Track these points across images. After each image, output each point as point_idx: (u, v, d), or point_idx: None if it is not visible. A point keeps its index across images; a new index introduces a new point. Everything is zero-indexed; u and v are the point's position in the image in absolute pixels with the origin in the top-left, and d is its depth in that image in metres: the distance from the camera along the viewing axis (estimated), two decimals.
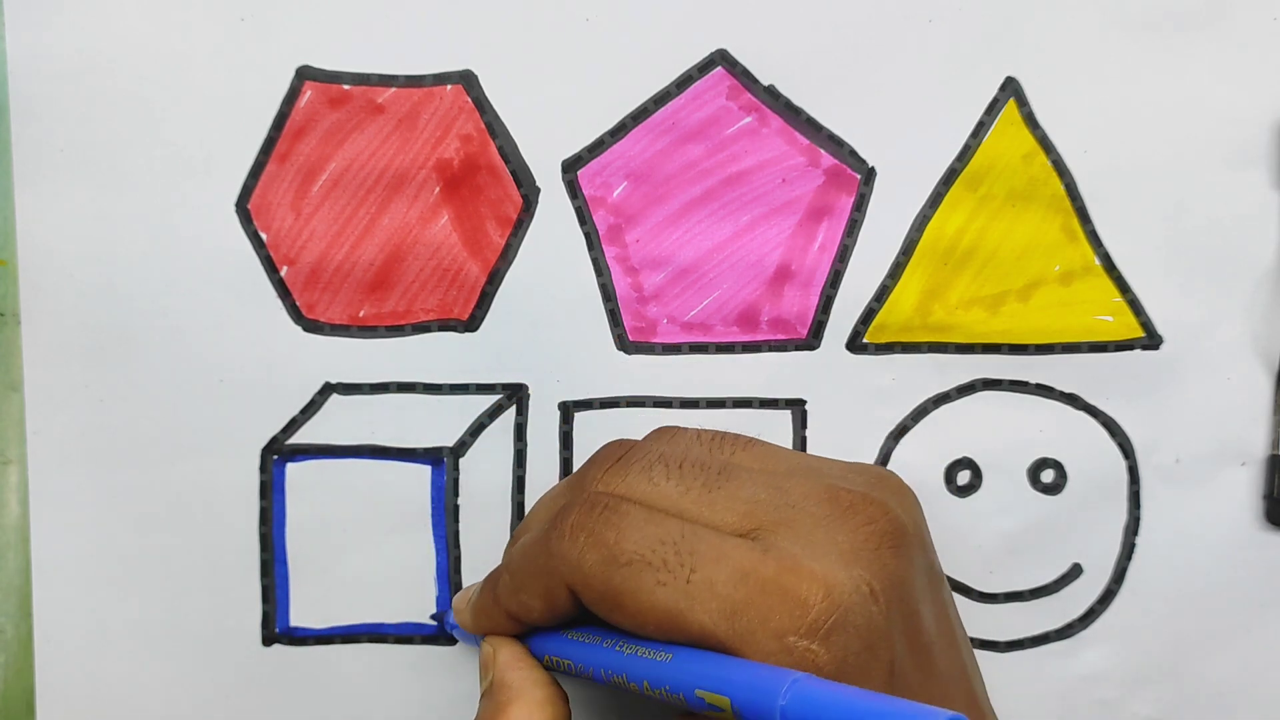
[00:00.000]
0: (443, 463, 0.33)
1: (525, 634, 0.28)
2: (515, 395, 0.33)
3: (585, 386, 0.33)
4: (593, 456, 0.27)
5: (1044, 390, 0.33)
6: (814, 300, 0.33)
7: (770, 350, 0.33)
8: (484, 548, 0.33)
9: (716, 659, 0.23)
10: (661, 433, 0.28)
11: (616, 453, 0.27)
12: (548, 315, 0.33)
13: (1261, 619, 0.34)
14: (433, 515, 0.33)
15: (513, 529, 0.33)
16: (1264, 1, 0.32)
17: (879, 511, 0.25)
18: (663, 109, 0.32)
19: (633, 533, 0.24)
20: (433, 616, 0.33)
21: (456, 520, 0.33)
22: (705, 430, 0.28)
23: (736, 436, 0.28)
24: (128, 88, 0.31)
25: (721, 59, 0.32)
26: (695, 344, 0.33)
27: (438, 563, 0.33)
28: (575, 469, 0.32)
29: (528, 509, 0.33)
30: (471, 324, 0.33)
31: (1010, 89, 0.33)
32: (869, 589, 0.23)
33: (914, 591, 0.25)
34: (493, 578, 0.28)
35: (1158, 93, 0.33)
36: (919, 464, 0.33)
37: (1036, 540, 0.34)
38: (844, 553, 0.24)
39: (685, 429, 0.28)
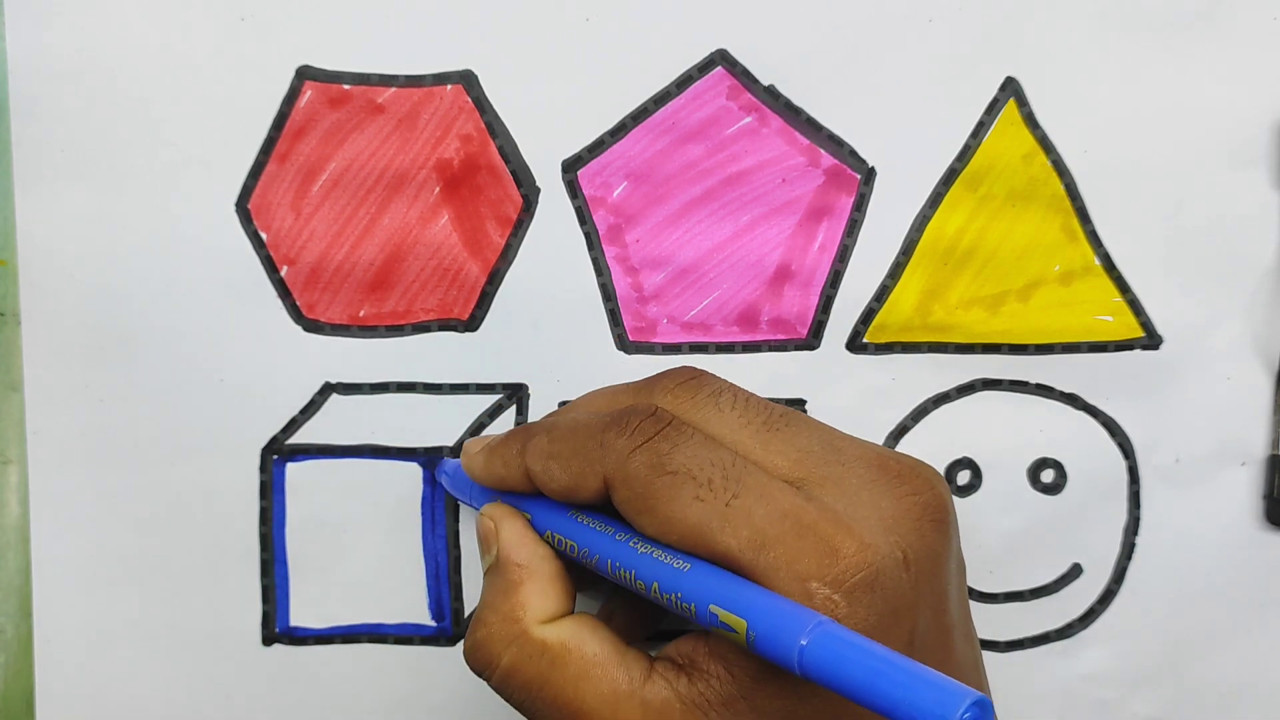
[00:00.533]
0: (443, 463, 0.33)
1: (526, 504, 0.27)
2: (515, 395, 0.33)
3: (585, 386, 0.33)
4: (664, 371, 0.27)
5: (1044, 390, 0.33)
6: (814, 300, 0.33)
7: (770, 350, 0.33)
8: None
9: (740, 581, 0.23)
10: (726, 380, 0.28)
11: (688, 374, 0.27)
12: (548, 315, 0.33)
13: (1261, 619, 0.34)
14: (433, 515, 0.33)
15: None
16: (1264, 1, 0.32)
17: (925, 485, 0.25)
18: (663, 109, 0.32)
19: (687, 449, 0.24)
20: (423, 464, 0.32)
21: (456, 520, 0.33)
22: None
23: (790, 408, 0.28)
24: (128, 88, 0.31)
25: (721, 59, 0.32)
26: (695, 344, 0.33)
27: (438, 563, 0.33)
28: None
29: None
30: (471, 324, 0.33)
31: (1010, 89, 0.33)
32: (903, 555, 0.23)
33: (946, 571, 0.25)
34: (521, 434, 0.27)
35: (1158, 93, 0.33)
36: None
37: (1036, 540, 0.34)
38: (885, 517, 0.24)
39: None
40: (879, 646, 0.20)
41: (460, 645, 0.33)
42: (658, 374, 0.27)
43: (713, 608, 0.22)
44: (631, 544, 0.24)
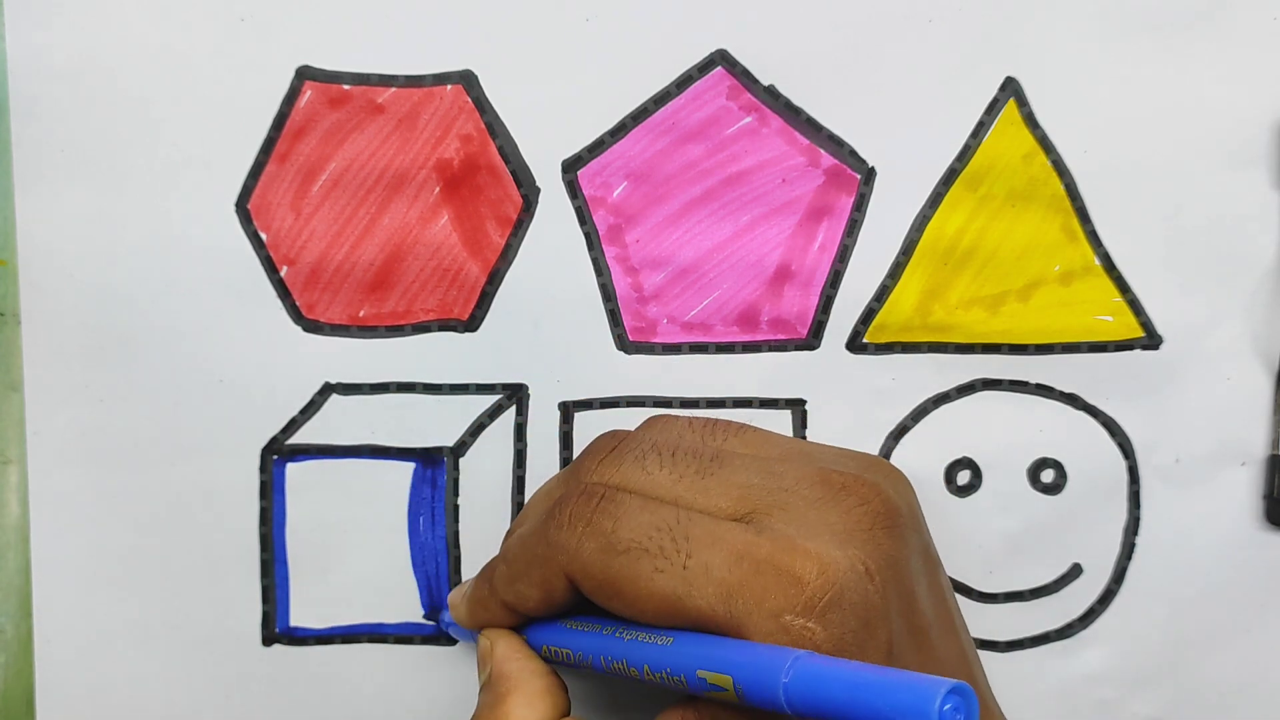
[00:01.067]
0: (443, 463, 0.33)
1: (522, 626, 0.28)
2: (515, 395, 0.33)
3: (585, 386, 0.33)
4: (587, 448, 0.27)
5: (1044, 390, 0.33)
6: (814, 300, 0.33)
7: (770, 350, 0.33)
8: (484, 548, 0.33)
9: (717, 641, 0.23)
10: (653, 422, 0.29)
11: (610, 444, 0.27)
12: (548, 315, 0.33)
13: (1261, 619, 0.34)
14: (432, 515, 0.33)
15: None
16: (1264, 1, 0.32)
17: (871, 492, 0.25)
18: (663, 109, 0.32)
19: (629, 520, 0.24)
20: (426, 616, 0.33)
21: (456, 520, 0.33)
22: (697, 418, 0.28)
23: (729, 423, 0.28)
24: (128, 88, 0.31)
25: (721, 59, 0.32)
26: (695, 344, 0.33)
27: (438, 563, 0.33)
28: None
29: None
30: (471, 324, 0.33)
31: (1010, 89, 0.33)
32: (864, 567, 0.24)
33: (909, 572, 0.25)
34: (487, 570, 0.28)
35: (1158, 93, 0.33)
36: (919, 464, 0.33)
37: (1036, 540, 0.34)
38: (837, 533, 0.24)
39: (677, 417, 0.28)
40: (855, 664, 0.21)
41: (460, 645, 0.33)
42: (581, 452, 0.27)
43: (700, 673, 0.23)
44: (617, 634, 0.25)
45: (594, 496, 0.25)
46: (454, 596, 0.30)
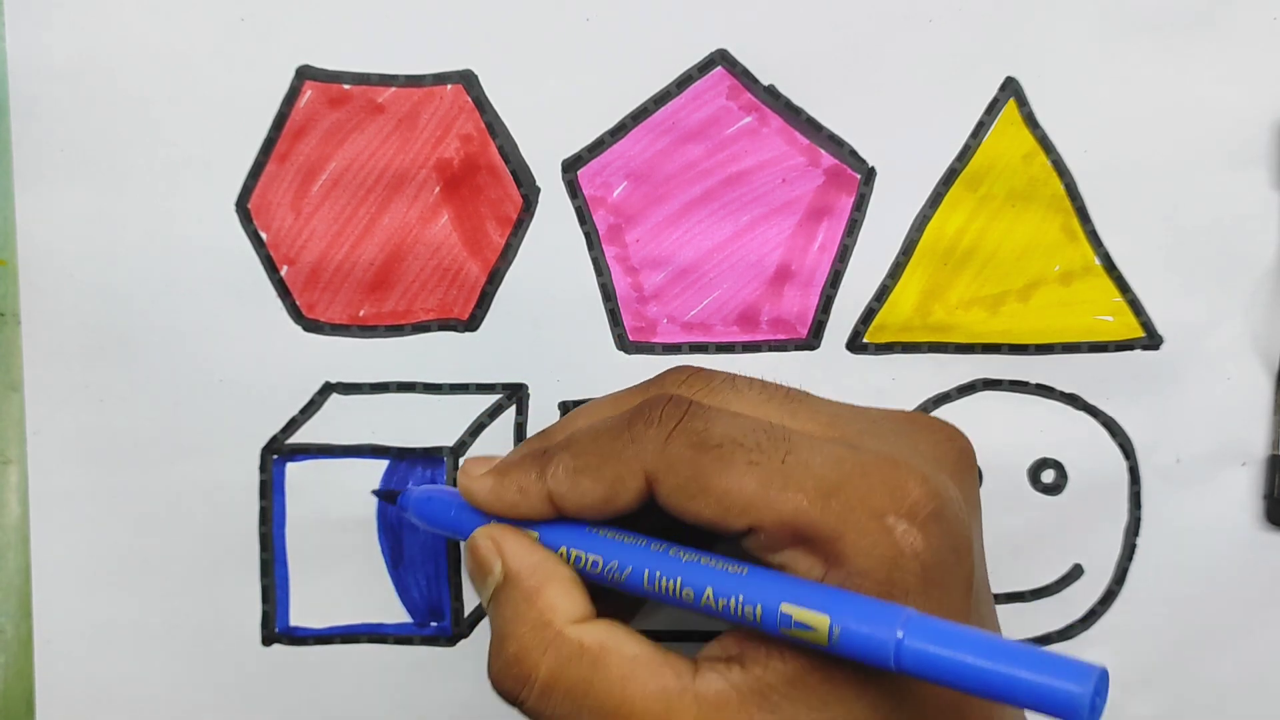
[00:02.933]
0: (443, 463, 0.33)
1: (541, 524, 0.26)
2: (515, 395, 0.33)
3: (585, 386, 0.33)
4: (664, 372, 0.26)
5: (1044, 390, 0.33)
6: (814, 300, 0.33)
7: (770, 350, 0.33)
8: None
9: (810, 583, 0.22)
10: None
11: (693, 368, 0.25)
12: (548, 315, 0.33)
13: (1261, 619, 0.34)
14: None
15: None
16: (1264, 1, 0.32)
17: (956, 433, 0.25)
18: (663, 109, 0.32)
19: (723, 421, 0.23)
20: (376, 493, 0.31)
21: None
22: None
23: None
24: (128, 88, 0.31)
25: (721, 59, 0.32)
26: (695, 344, 0.33)
27: (438, 563, 0.33)
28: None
29: None
30: (471, 324, 0.33)
31: (1010, 89, 0.33)
32: (957, 493, 0.23)
33: (979, 519, 0.25)
34: (538, 455, 0.25)
35: (1158, 93, 0.33)
36: None
37: (1037, 540, 0.34)
38: (928, 460, 0.23)
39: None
40: (977, 632, 0.20)
41: (460, 645, 0.33)
42: (659, 375, 0.26)
43: (786, 607, 0.21)
44: (672, 553, 0.23)
45: (684, 403, 0.23)
46: (473, 465, 0.26)
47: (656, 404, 0.24)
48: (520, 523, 0.26)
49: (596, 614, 0.24)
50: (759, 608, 0.22)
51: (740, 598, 0.22)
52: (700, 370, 0.26)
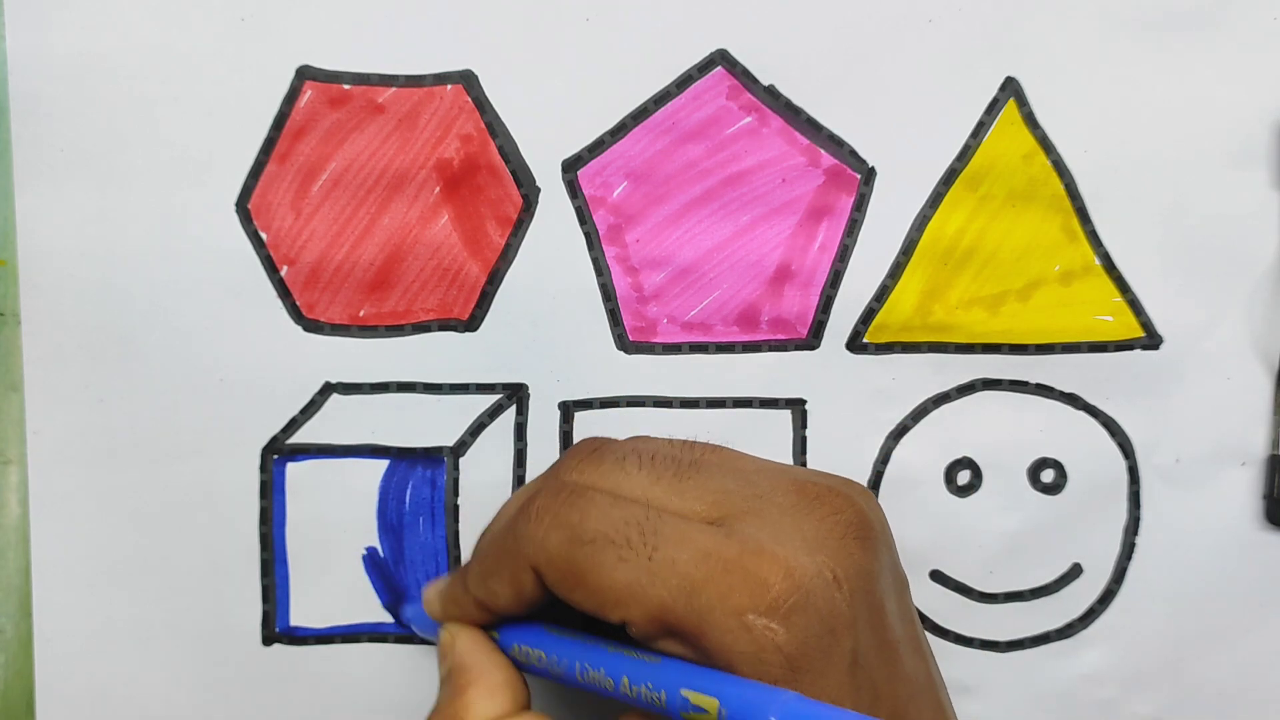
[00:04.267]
0: (443, 463, 0.33)
1: (494, 626, 0.28)
2: (515, 395, 0.33)
3: (585, 386, 0.33)
4: (568, 450, 0.27)
5: (1044, 390, 0.33)
6: (814, 300, 0.33)
7: (770, 350, 0.33)
8: None
9: (706, 671, 0.23)
10: (635, 437, 0.28)
11: (590, 446, 0.27)
12: (548, 315, 0.33)
13: (1261, 619, 0.34)
14: (432, 515, 0.33)
15: None
16: (1264, 1, 0.32)
17: (845, 503, 0.25)
18: (663, 109, 0.32)
19: (597, 514, 0.24)
20: (387, 607, 0.33)
21: (456, 520, 0.33)
22: (676, 438, 0.28)
23: (706, 443, 0.28)
24: (128, 88, 0.31)
25: (721, 59, 0.32)
26: (695, 344, 0.33)
27: (438, 563, 0.33)
28: None
29: None
30: (471, 324, 0.33)
31: (1010, 89, 0.33)
32: (832, 575, 0.24)
33: (879, 585, 0.25)
34: (463, 567, 0.28)
35: (1158, 93, 0.33)
36: (919, 464, 0.33)
37: (1036, 540, 0.34)
38: (809, 539, 0.24)
39: (658, 437, 0.28)
40: (848, 714, 0.21)
41: None
42: (562, 456, 0.27)
43: (684, 691, 0.23)
44: (600, 646, 0.25)
45: (564, 491, 0.25)
46: (429, 591, 0.30)
47: (537, 497, 0.25)
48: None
49: (526, 710, 0.26)
50: (663, 693, 0.23)
51: (650, 684, 0.23)
52: (594, 450, 0.27)
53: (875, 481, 0.33)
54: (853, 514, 0.25)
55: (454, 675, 0.27)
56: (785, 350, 0.33)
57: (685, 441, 0.28)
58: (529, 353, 0.33)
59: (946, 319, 0.33)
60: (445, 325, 0.33)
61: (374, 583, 0.33)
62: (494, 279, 0.32)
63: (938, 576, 0.34)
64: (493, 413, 0.33)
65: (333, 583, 0.33)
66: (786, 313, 0.33)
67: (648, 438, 0.28)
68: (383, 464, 0.33)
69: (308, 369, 0.32)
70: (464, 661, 0.27)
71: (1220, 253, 0.33)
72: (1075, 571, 0.34)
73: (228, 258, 0.32)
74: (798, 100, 0.32)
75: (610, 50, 0.32)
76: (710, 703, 0.22)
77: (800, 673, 0.23)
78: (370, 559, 0.33)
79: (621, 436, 0.29)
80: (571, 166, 0.32)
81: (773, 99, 0.32)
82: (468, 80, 0.32)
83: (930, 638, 0.34)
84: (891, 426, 0.33)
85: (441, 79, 0.32)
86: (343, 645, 0.33)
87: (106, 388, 0.32)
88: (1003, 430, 0.33)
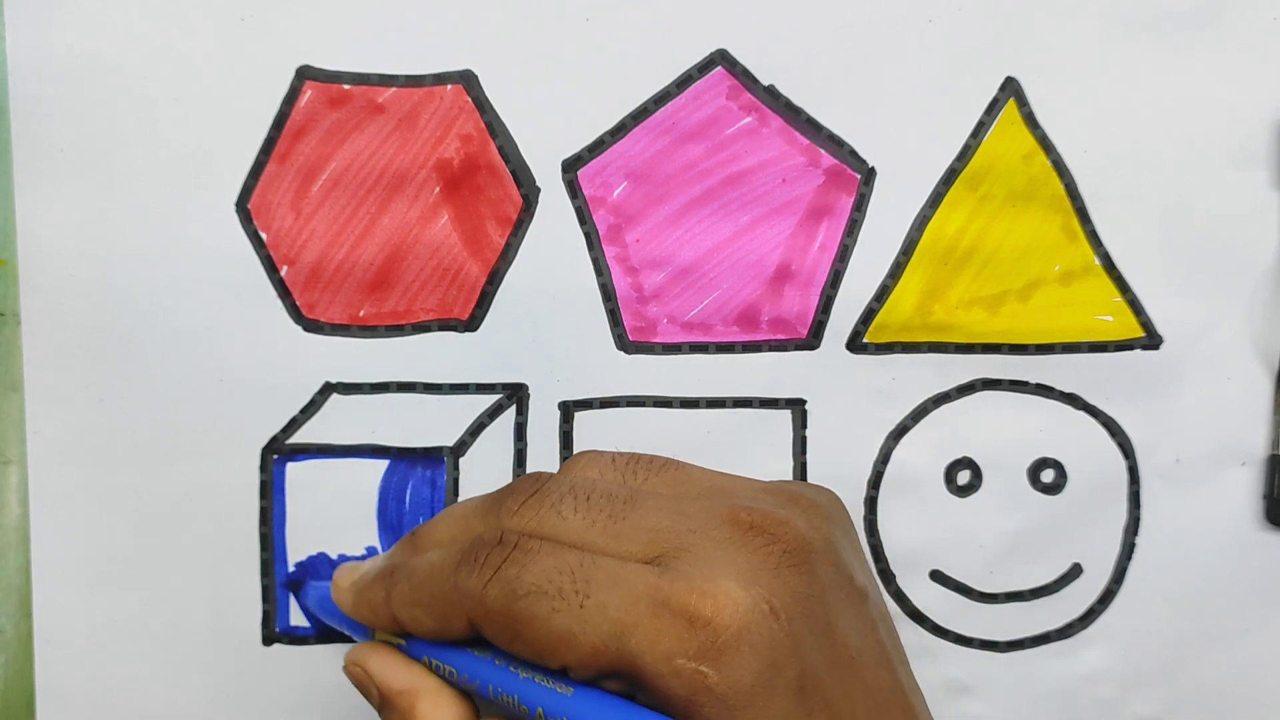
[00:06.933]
0: (443, 463, 0.33)
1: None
2: (515, 395, 0.33)
3: (585, 386, 0.33)
4: (509, 486, 0.27)
5: (1044, 390, 0.33)
6: (814, 300, 0.33)
7: (770, 350, 0.33)
8: None
9: (621, 703, 0.23)
10: (578, 459, 0.28)
11: (532, 486, 0.27)
12: (548, 315, 0.33)
13: (1261, 619, 0.34)
14: (432, 515, 0.33)
15: None
16: (1264, 1, 0.32)
17: (781, 529, 0.25)
18: (663, 109, 0.32)
19: (534, 566, 0.24)
20: (286, 583, 0.32)
21: None
22: (622, 454, 0.28)
23: (652, 459, 0.28)
24: (128, 88, 0.31)
25: (721, 59, 0.32)
26: (695, 344, 0.33)
27: None
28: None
29: None
30: (471, 324, 0.33)
31: (1010, 89, 0.33)
32: (768, 606, 0.23)
33: (824, 606, 0.25)
34: (386, 575, 0.27)
35: (1158, 93, 0.33)
36: (919, 464, 0.33)
37: (1036, 540, 0.34)
38: (742, 572, 0.24)
39: (601, 454, 0.28)
40: None
41: None
42: (503, 490, 0.27)
43: None
44: (512, 669, 0.25)
45: (507, 546, 0.25)
46: (342, 577, 0.28)
47: (481, 548, 0.25)
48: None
49: (476, 716, 0.26)
50: None
51: (565, 718, 0.23)
52: (534, 493, 0.26)
53: (875, 481, 0.33)
54: (790, 539, 0.25)
55: (392, 700, 0.26)
56: (785, 350, 0.33)
57: (630, 459, 0.27)
58: (529, 353, 0.33)
59: (946, 319, 0.33)
60: (445, 325, 0.33)
61: None
62: (494, 279, 0.32)
63: (938, 576, 0.34)
64: (493, 413, 0.33)
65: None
66: (786, 313, 0.33)
67: (591, 459, 0.28)
68: (383, 464, 0.33)
69: (308, 369, 0.32)
70: (393, 684, 0.27)
71: (1220, 253, 0.33)
72: (1075, 571, 0.34)
73: (228, 258, 0.32)
74: (798, 100, 0.32)
75: (610, 50, 0.32)
76: None
77: (737, 710, 0.22)
78: None
79: (621, 436, 0.29)
80: (571, 166, 0.32)
81: (773, 99, 0.32)
82: (468, 80, 0.32)
83: (930, 638, 0.34)
84: (891, 426, 0.33)
85: (441, 79, 0.32)
86: (343, 645, 0.33)
87: (106, 388, 0.32)
88: (1003, 430, 0.33)
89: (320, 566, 0.33)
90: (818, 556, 0.25)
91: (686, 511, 0.25)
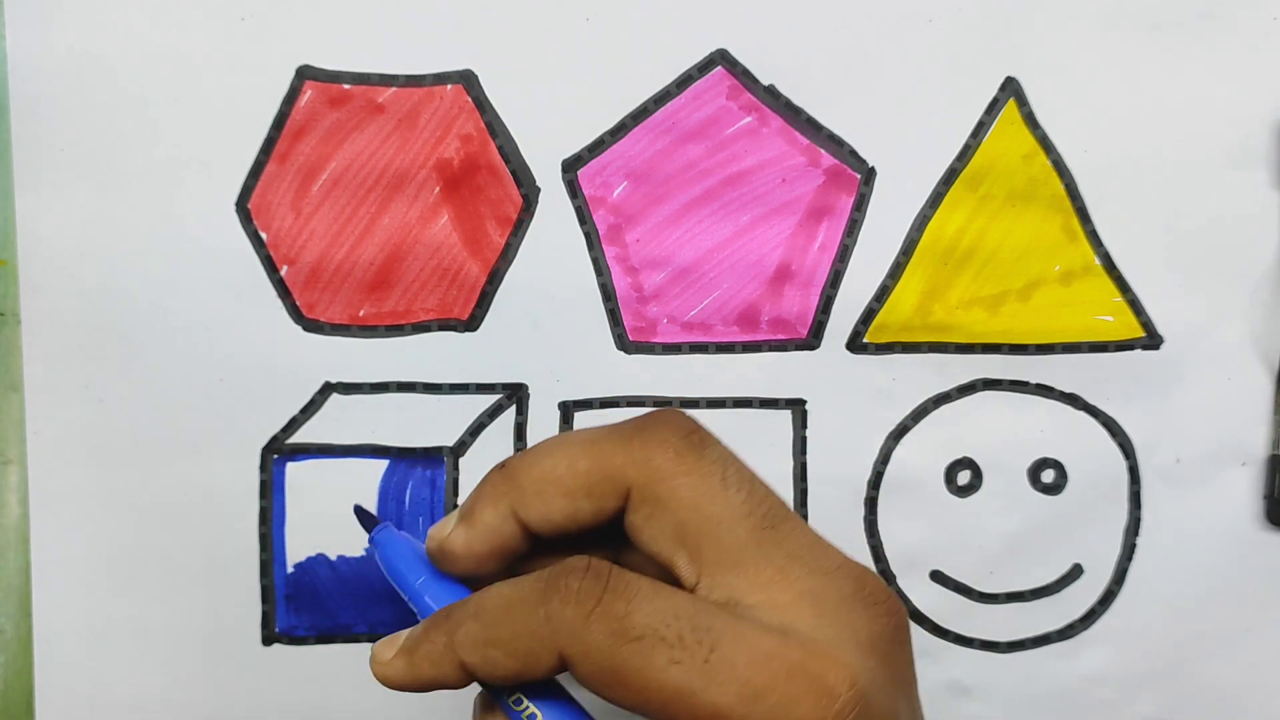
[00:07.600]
0: (442, 463, 0.33)
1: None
2: (515, 395, 0.33)
3: (585, 386, 0.33)
4: (653, 415, 0.24)
5: (1044, 390, 0.33)
6: (814, 300, 0.33)
7: (770, 350, 0.33)
8: None
9: None
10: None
11: (688, 425, 0.24)
12: (548, 315, 0.33)
13: (1261, 619, 0.34)
14: (432, 515, 0.33)
15: None
16: (1264, 1, 0.32)
17: (896, 606, 0.24)
18: (663, 109, 0.32)
19: (644, 605, 0.22)
20: (360, 509, 0.29)
21: None
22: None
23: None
24: (128, 88, 0.31)
25: (721, 59, 0.32)
26: (695, 344, 0.33)
27: None
28: None
29: None
30: (471, 324, 0.33)
31: (1010, 89, 0.33)
32: (884, 680, 0.23)
33: (913, 688, 0.25)
34: (442, 623, 0.24)
35: (1158, 93, 0.33)
36: (919, 464, 0.33)
37: (1037, 540, 0.34)
38: (862, 640, 0.23)
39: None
40: None
41: None
42: (646, 418, 0.24)
43: None
44: None
45: (604, 575, 0.22)
46: (382, 650, 0.25)
47: (572, 575, 0.23)
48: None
49: None
50: None
51: None
52: (694, 432, 0.24)
53: (875, 482, 0.33)
54: (901, 619, 0.24)
55: None
56: (785, 350, 0.33)
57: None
58: (529, 353, 0.33)
59: (947, 319, 0.33)
60: (445, 325, 0.33)
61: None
62: (494, 279, 0.32)
63: (938, 576, 0.34)
64: (493, 413, 0.33)
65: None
66: (786, 313, 0.33)
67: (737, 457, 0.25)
68: (383, 464, 0.33)
69: (307, 369, 0.32)
70: None
71: (1220, 253, 0.33)
72: (1076, 572, 0.34)
73: (228, 258, 0.32)
74: (798, 100, 0.32)
75: (610, 50, 0.32)
76: None
77: None
78: (370, 559, 0.33)
79: None
80: (571, 166, 0.32)
81: (773, 99, 0.32)
82: (468, 80, 0.32)
83: (930, 638, 0.34)
84: (892, 426, 0.33)
85: (441, 79, 0.32)
86: (343, 645, 0.33)
87: (106, 388, 0.32)
88: (1003, 430, 0.33)
89: (320, 567, 0.33)
90: (908, 643, 0.25)
91: (824, 549, 0.24)
